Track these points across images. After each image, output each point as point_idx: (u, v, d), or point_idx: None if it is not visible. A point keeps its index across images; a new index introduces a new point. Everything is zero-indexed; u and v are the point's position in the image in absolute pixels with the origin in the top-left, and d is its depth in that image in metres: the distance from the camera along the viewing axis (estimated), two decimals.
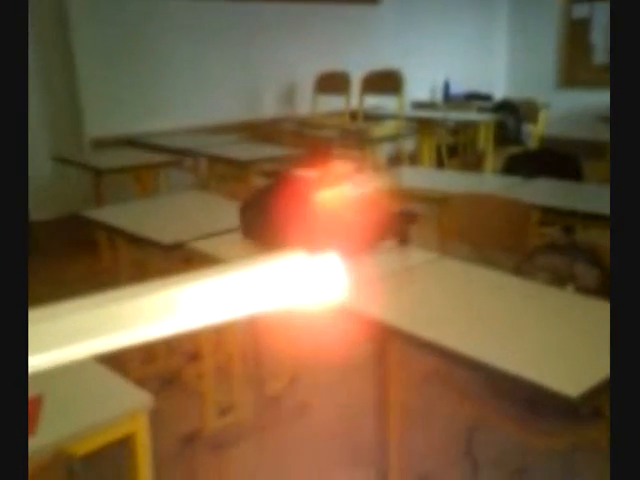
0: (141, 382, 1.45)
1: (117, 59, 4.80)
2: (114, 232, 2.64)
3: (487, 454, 2.32)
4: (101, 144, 4.64)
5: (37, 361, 0.49)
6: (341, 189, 0.63)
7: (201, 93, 5.27)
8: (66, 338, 0.49)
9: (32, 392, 1.32)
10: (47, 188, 4.61)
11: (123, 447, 1.41)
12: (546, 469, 2.29)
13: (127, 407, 1.36)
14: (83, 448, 1.28)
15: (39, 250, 4.26)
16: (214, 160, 4.26)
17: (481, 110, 6.21)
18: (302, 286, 0.53)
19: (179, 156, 4.20)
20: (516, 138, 5.77)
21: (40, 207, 4.46)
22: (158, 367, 2.96)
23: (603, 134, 4.79)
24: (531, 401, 1.76)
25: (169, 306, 0.50)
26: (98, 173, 3.90)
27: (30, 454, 1.15)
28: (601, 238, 2.72)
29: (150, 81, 4.99)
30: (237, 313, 0.52)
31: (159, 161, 4.10)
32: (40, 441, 1.19)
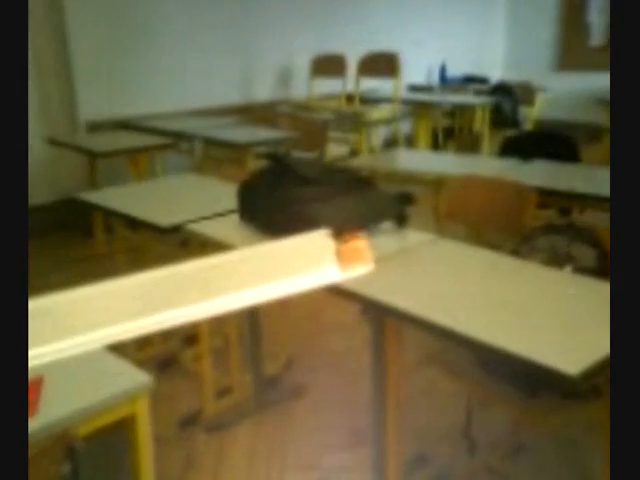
0: (138, 366, 1.45)
1: (111, 42, 4.75)
2: (111, 215, 2.63)
3: (485, 434, 2.34)
4: (96, 127, 4.60)
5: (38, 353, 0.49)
6: None
7: (197, 76, 5.23)
8: (73, 329, 0.49)
9: (33, 373, 1.32)
10: (39, 171, 4.58)
11: (124, 429, 1.41)
12: (544, 448, 2.31)
13: (128, 388, 1.36)
14: (85, 429, 1.28)
15: (32, 235, 4.22)
16: (210, 143, 4.24)
17: (477, 93, 6.19)
18: (330, 264, 0.53)
19: (175, 139, 4.17)
20: (512, 121, 5.76)
21: (32, 191, 4.43)
22: (155, 350, 2.96)
23: (599, 117, 4.79)
24: (528, 381, 1.77)
25: (205, 289, 0.49)
26: (93, 156, 3.86)
27: (32, 435, 1.15)
28: (598, 219, 2.72)
29: (145, 64, 4.94)
30: (269, 295, 0.52)
31: (155, 144, 4.06)
32: (42, 422, 1.19)
